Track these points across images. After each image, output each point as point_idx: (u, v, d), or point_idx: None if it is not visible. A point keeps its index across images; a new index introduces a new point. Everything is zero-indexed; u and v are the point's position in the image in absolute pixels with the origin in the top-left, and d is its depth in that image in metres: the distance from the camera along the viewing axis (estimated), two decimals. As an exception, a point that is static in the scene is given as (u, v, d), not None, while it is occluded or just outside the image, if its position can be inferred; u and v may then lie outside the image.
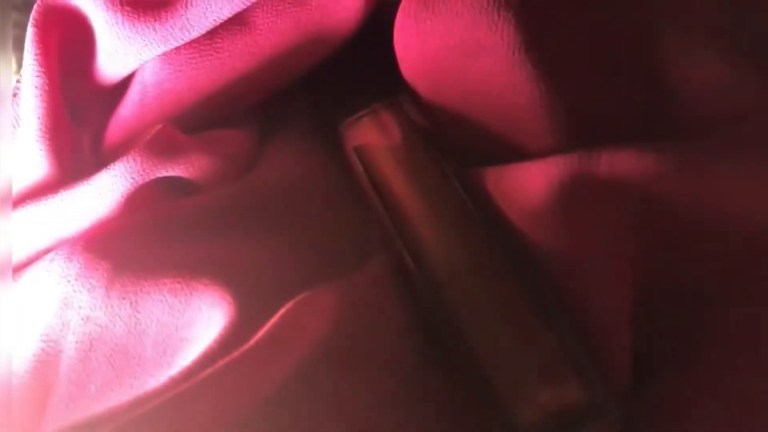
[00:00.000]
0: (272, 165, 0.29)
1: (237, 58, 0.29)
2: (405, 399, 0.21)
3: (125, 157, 0.27)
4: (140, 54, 0.29)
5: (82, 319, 0.25)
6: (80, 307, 0.25)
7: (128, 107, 0.30)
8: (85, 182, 0.27)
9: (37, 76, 0.29)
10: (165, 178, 0.28)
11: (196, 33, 0.29)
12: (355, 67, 0.29)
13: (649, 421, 0.21)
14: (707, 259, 0.22)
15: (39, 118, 0.29)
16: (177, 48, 0.29)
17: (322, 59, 0.29)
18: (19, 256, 0.28)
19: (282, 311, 0.21)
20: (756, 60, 0.24)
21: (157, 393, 0.19)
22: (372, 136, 0.27)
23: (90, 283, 0.25)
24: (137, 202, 0.28)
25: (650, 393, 0.21)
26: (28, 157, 0.29)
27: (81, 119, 0.31)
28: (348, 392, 0.20)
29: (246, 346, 0.20)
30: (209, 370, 0.19)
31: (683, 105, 0.24)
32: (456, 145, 0.26)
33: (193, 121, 0.30)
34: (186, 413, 0.18)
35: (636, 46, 0.25)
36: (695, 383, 0.21)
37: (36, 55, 0.29)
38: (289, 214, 0.27)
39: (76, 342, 0.25)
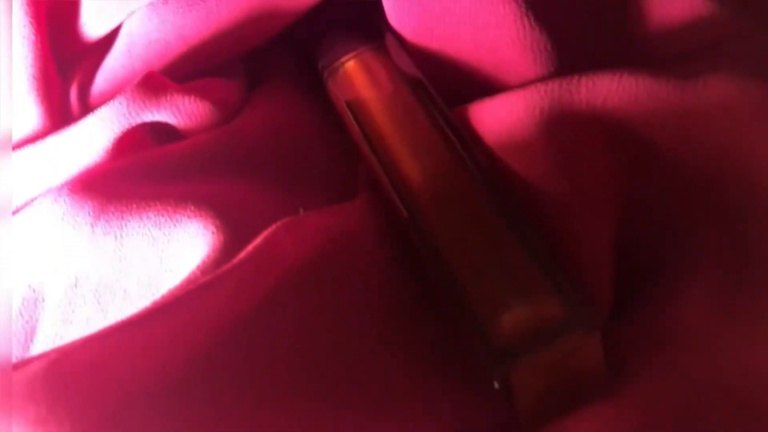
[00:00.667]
0: (258, 111, 0.29)
1: (223, 8, 0.29)
2: (382, 325, 0.21)
3: (112, 101, 0.27)
4: (127, 5, 0.30)
5: (69, 257, 0.25)
6: (66, 246, 0.25)
7: (115, 58, 0.30)
8: (72, 126, 0.27)
9: (26, 26, 0.29)
10: (152, 127, 0.29)
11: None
12: (341, 13, 0.29)
13: (633, 344, 0.21)
14: (676, 186, 0.22)
15: (28, 68, 0.29)
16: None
17: (309, 8, 0.29)
18: (8, 200, 0.28)
19: (264, 234, 0.21)
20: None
21: (138, 315, 0.19)
22: (356, 78, 0.27)
23: (75, 221, 0.25)
24: (125, 147, 0.28)
25: (633, 318, 0.21)
26: (18, 107, 0.30)
27: (69, 73, 0.31)
28: (323, 315, 0.20)
29: (226, 267, 0.20)
30: (188, 288, 0.19)
31: (660, 37, 0.24)
32: (441, 85, 0.26)
33: (180, 72, 0.30)
34: (162, 329, 0.18)
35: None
36: (674, 308, 0.21)
37: (24, 6, 0.29)
38: (274, 156, 0.27)
39: (63, 280, 0.25)
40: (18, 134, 0.29)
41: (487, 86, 0.26)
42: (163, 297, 0.19)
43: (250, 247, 0.20)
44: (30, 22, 0.29)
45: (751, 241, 0.21)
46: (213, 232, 0.22)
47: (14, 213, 0.28)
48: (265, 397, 0.18)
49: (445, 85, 0.26)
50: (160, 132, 0.29)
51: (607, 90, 0.22)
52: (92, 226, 0.24)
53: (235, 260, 0.20)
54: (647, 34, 0.24)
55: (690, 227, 0.22)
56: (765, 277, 0.20)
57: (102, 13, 0.30)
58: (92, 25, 0.30)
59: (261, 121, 0.28)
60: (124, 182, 0.26)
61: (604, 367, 0.19)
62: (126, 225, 0.24)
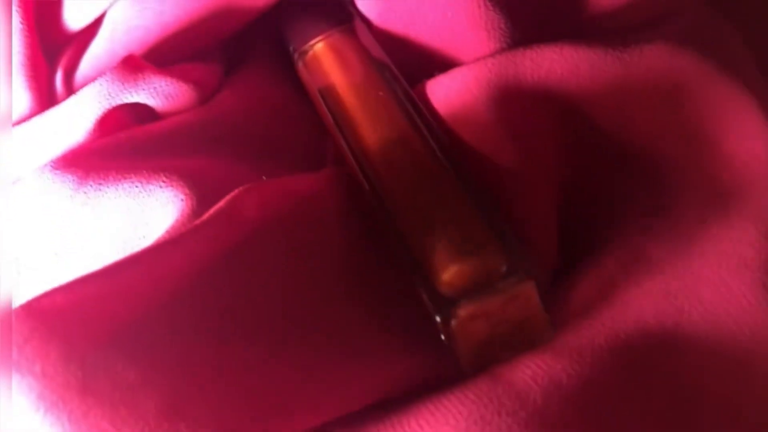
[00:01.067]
0: (233, 92, 0.30)
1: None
2: (344, 282, 0.22)
3: (92, 83, 0.29)
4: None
5: (50, 229, 0.26)
6: (48, 218, 0.26)
7: (99, 45, 0.32)
8: (55, 107, 0.29)
9: (15, 14, 0.31)
10: (133, 111, 0.30)
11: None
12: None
13: (569, 301, 0.22)
14: (609, 159, 0.23)
15: (16, 55, 0.31)
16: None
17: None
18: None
19: (229, 196, 0.22)
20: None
21: (107, 266, 0.20)
22: (324, 60, 0.29)
23: (57, 194, 0.26)
24: (106, 128, 0.29)
25: (571, 279, 0.23)
26: (7, 89, 0.31)
27: (55, 60, 0.33)
28: (286, 268, 0.21)
29: (191, 225, 0.21)
30: (154, 244, 0.21)
31: (605, 14, 0.25)
32: (405, 66, 0.28)
33: (161, 57, 0.31)
34: (130, 278, 0.19)
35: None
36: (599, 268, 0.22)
37: None
38: (247, 134, 0.29)
39: (46, 250, 0.26)
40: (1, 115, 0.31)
41: (446, 65, 0.27)
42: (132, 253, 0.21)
43: (214, 208, 0.22)
44: (18, 10, 0.31)
45: (672, 207, 0.22)
46: (182, 200, 0.24)
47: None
48: (228, 335, 0.19)
49: (409, 66, 0.28)
50: (141, 116, 0.30)
51: (549, 61, 0.23)
52: (71, 198, 0.26)
53: (200, 219, 0.21)
54: (594, 12, 0.25)
55: (618, 196, 0.23)
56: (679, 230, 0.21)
57: (86, 1, 0.31)
58: (77, 13, 0.32)
59: (236, 102, 0.30)
60: (104, 158, 0.27)
61: (544, 318, 0.21)
62: (103, 195, 0.25)
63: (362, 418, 0.20)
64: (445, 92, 0.25)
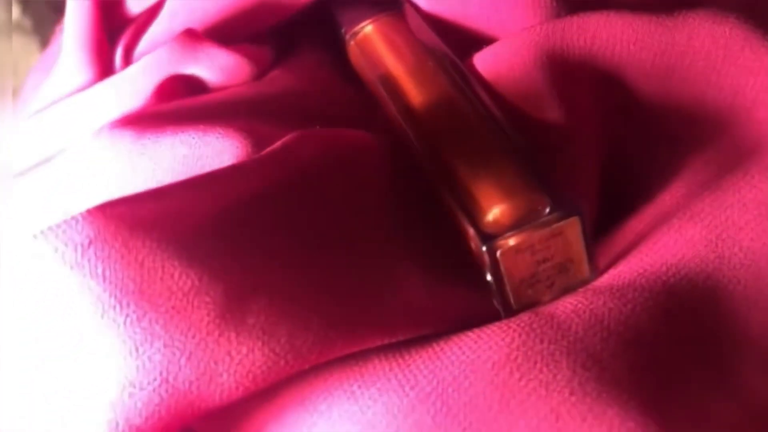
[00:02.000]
0: (285, 72, 0.31)
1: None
2: (388, 218, 0.23)
3: (153, 53, 0.30)
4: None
5: (108, 185, 0.27)
6: (106, 174, 0.27)
7: (158, 25, 0.33)
8: (116, 75, 0.30)
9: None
10: (189, 86, 0.31)
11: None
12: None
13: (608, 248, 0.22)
14: (650, 134, 0.24)
15: (83, 34, 0.32)
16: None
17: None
18: (55, 146, 0.31)
19: (284, 138, 0.23)
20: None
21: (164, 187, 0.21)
22: (375, 38, 0.30)
23: (116, 149, 0.27)
24: (163, 99, 0.30)
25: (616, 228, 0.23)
26: (70, 65, 0.33)
27: (116, 39, 0.34)
28: (335, 203, 0.22)
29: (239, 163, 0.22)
30: (211, 171, 0.22)
31: None
32: (453, 47, 0.29)
33: (217, 38, 0.33)
34: (184, 197, 0.20)
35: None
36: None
37: None
38: (299, 109, 0.30)
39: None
40: (65, 87, 0.32)
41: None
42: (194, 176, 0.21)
43: (272, 147, 0.23)
44: None
45: (711, 163, 0.22)
46: (238, 147, 0.25)
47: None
48: (281, 252, 0.20)
49: (458, 47, 0.29)
50: (196, 92, 0.32)
51: (595, 26, 0.24)
52: (129, 152, 0.27)
53: (259, 155, 0.22)
54: None
55: (657, 166, 0.24)
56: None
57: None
58: (139, -2, 0.34)
59: (288, 80, 0.31)
60: (161, 118, 0.28)
61: (587, 259, 0.21)
62: (160, 145, 0.26)
63: (406, 344, 0.20)
64: (493, 58, 0.26)
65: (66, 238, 0.19)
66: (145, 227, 0.19)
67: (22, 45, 0.50)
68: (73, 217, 0.19)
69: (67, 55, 0.33)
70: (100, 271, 0.19)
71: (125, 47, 0.34)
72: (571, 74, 0.24)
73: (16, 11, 0.50)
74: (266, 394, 0.21)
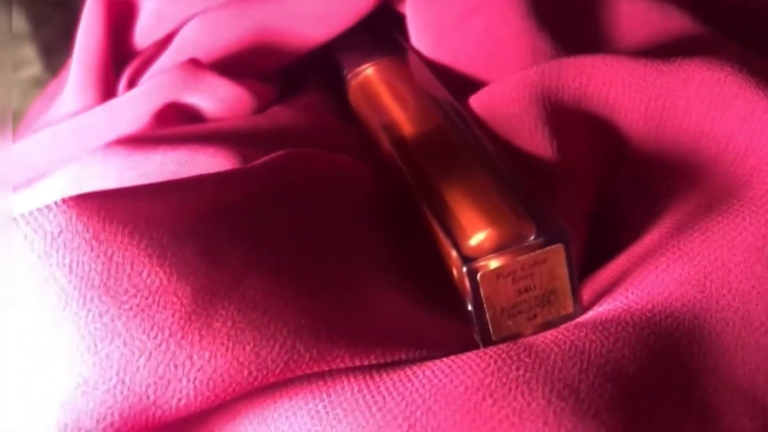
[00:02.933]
0: (285, 108, 0.32)
1: (270, 20, 0.33)
2: (370, 242, 0.22)
3: (155, 79, 0.30)
4: (181, 14, 0.34)
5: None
6: (95, 185, 0.27)
7: (165, 58, 0.34)
8: (117, 98, 0.31)
9: (96, 23, 0.33)
10: (187, 116, 0.32)
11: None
12: (368, 28, 0.33)
13: (605, 280, 0.22)
14: (641, 180, 0.24)
15: (91, 57, 0.33)
16: (216, 9, 0.33)
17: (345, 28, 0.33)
18: (50, 166, 0.31)
19: (272, 155, 0.23)
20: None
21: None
22: (375, 80, 0.30)
23: (107, 165, 0.27)
24: (161, 125, 0.31)
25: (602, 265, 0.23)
26: (73, 90, 0.33)
27: (122, 69, 0.35)
28: (318, 216, 0.22)
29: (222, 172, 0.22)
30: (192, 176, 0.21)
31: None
32: (454, 88, 0.29)
33: (222, 71, 0.33)
34: (160, 196, 0.20)
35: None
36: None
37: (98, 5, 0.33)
38: (294, 141, 0.30)
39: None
40: (69, 110, 0.33)
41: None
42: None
43: (256, 162, 0.22)
44: (101, 20, 0.33)
45: (703, 206, 0.22)
46: (227, 167, 0.25)
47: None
48: (256, 256, 0.19)
49: (458, 89, 0.29)
50: (194, 121, 0.32)
51: (590, 68, 0.24)
52: (119, 167, 0.27)
53: (241, 167, 0.22)
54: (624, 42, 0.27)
55: (647, 207, 0.23)
56: None
57: (158, 19, 0.34)
58: (148, 29, 0.34)
59: (287, 116, 0.31)
60: (152, 142, 0.28)
61: (571, 291, 0.20)
62: (148, 162, 0.26)
63: (377, 366, 0.20)
64: (488, 96, 0.26)
65: (37, 226, 0.19)
66: (119, 222, 0.19)
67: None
68: (47, 206, 0.19)
69: (71, 81, 0.34)
70: (67, 261, 0.18)
71: (129, 77, 0.34)
72: (565, 114, 0.24)
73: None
74: (226, 410, 0.20)
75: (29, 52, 0.56)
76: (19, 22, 0.55)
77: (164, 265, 0.19)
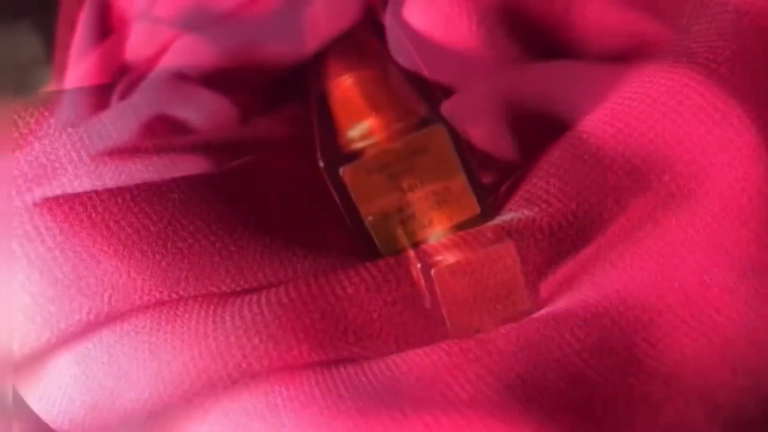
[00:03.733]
0: (266, 118, 0.33)
1: (254, 37, 0.34)
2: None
3: (140, 91, 0.31)
4: (172, 32, 0.35)
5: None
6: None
7: (156, 71, 0.35)
8: (104, 112, 0.32)
9: (91, 38, 0.34)
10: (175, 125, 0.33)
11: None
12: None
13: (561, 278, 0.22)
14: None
15: (83, 72, 0.34)
16: (203, 27, 0.35)
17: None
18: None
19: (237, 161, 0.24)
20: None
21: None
22: (353, 92, 0.31)
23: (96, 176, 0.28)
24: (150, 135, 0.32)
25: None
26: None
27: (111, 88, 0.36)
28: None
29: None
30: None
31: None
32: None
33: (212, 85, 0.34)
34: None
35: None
36: None
37: (95, 19, 0.35)
38: (281, 151, 0.31)
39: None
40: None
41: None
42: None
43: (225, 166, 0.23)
44: (96, 35, 0.35)
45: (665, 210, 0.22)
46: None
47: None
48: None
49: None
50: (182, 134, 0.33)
51: (553, 73, 0.25)
52: (104, 177, 0.28)
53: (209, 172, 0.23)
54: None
55: (604, 209, 0.24)
56: None
57: (150, 34, 0.35)
58: (141, 45, 0.35)
59: (271, 124, 0.32)
60: (138, 148, 0.29)
61: (524, 285, 0.21)
62: (134, 172, 0.27)
63: (335, 362, 0.20)
64: (457, 102, 0.26)
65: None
66: (89, 223, 0.20)
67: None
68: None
69: (64, 95, 0.35)
70: (33, 253, 0.19)
71: (120, 94, 0.35)
72: (528, 119, 0.25)
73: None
74: (192, 407, 0.21)
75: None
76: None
77: (126, 261, 0.19)
